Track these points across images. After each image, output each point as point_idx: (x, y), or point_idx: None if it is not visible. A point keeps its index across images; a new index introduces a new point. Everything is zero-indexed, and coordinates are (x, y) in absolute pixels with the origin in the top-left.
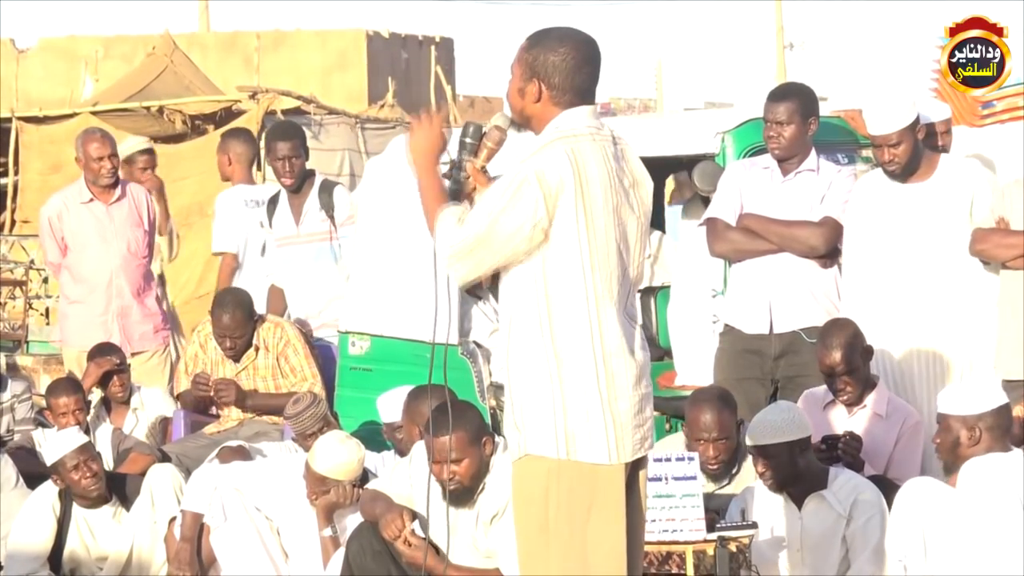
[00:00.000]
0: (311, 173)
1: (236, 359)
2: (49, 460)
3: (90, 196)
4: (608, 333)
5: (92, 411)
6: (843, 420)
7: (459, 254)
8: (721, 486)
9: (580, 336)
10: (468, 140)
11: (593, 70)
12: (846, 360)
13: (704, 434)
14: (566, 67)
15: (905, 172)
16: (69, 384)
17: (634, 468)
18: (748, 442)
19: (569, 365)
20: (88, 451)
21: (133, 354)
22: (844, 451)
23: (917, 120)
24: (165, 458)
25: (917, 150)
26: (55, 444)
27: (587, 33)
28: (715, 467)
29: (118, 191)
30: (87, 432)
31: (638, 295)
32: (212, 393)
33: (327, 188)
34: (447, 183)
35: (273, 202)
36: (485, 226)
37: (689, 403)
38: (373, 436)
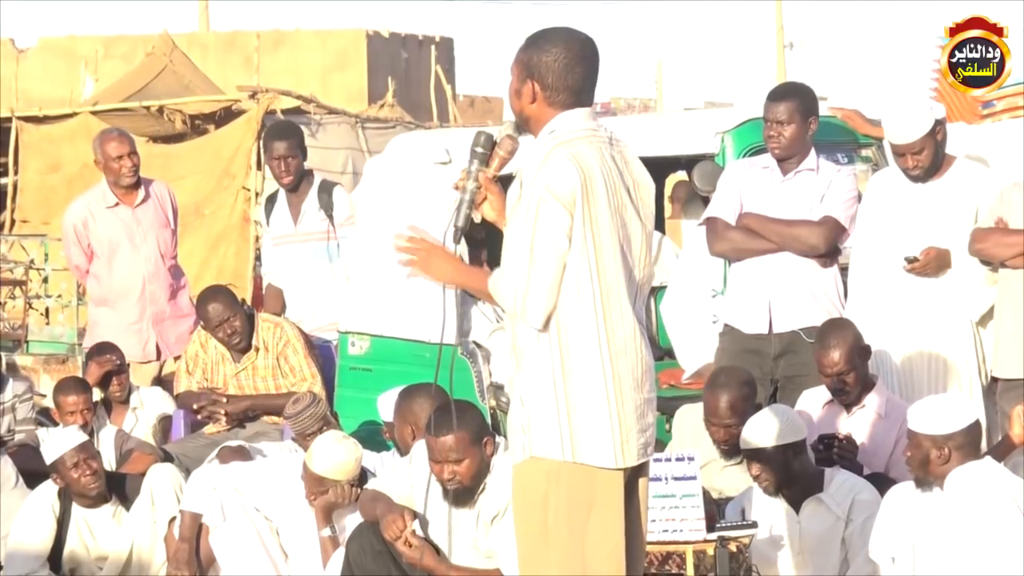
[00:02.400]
0: (309, 173)
1: (244, 350)
2: (49, 459)
3: (115, 200)
4: (615, 335)
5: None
6: (842, 420)
7: (521, 300)
8: (734, 462)
9: (587, 338)
10: (479, 149)
11: (587, 69)
12: (844, 360)
13: (714, 419)
14: (558, 67)
15: (926, 175)
16: (78, 383)
17: (635, 473)
18: (742, 446)
19: (576, 367)
20: (88, 449)
21: (175, 358)
22: (840, 455)
23: (935, 124)
24: (168, 457)
25: (938, 153)
26: (54, 442)
27: (583, 33)
28: (724, 448)
29: (142, 192)
30: (91, 433)
31: None
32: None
33: (327, 188)
34: (457, 195)
35: (271, 201)
36: (527, 263)
37: (707, 383)
38: (373, 436)
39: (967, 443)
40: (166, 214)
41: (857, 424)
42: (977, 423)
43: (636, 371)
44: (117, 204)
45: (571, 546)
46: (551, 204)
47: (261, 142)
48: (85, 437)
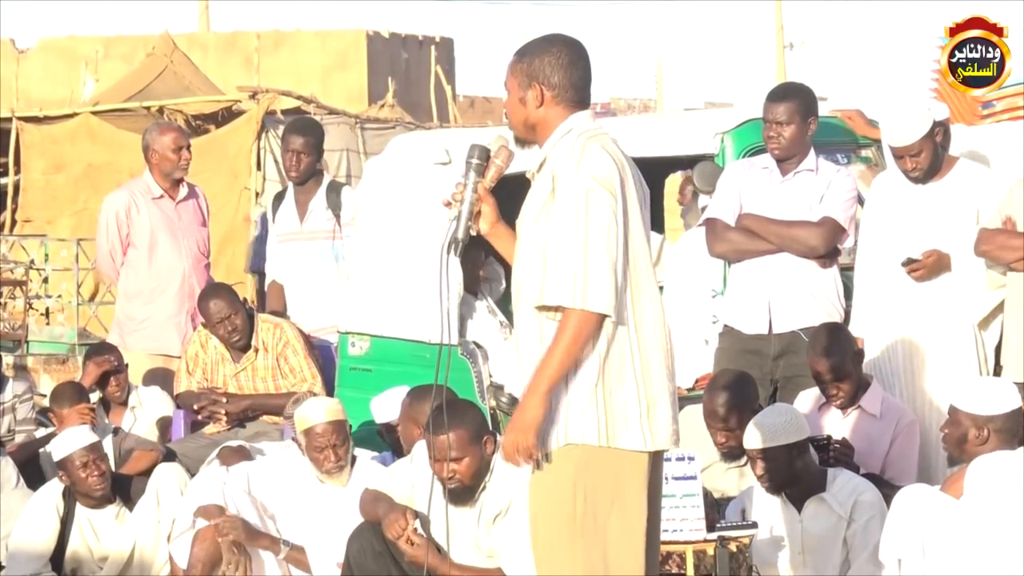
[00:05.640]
0: (319, 172)
1: (243, 349)
2: (57, 456)
3: (161, 192)
4: (645, 323)
5: None
6: (838, 421)
7: (580, 290)
8: (736, 465)
9: (620, 325)
10: (475, 161)
11: (586, 68)
12: (837, 366)
13: (715, 422)
14: (561, 64)
15: (926, 176)
16: (74, 390)
17: (654, 467)
18: (745, 445)
19: (612, 354)
20: (97, 450)
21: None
22: (836, 459)
23: (934, 125)
24: (169, 453)
25: (937, 154)
26: (65, 440)
27: (571, 36)
28: (726, 451)
29: (184, 188)
30: None
31: None
32: (205, 414)
33: (335, 188)
34: (452, 210)
35: (279, 197)
36: (583, 252)
37: (708, 386)
38: (372, 436)
39: (1006, 428)
40: (203, 214)
41: (853, 425)
42: (1019, 410)
43: (667, 359)
44: (162, 196)
45: (596, 532)
46: (600, 192)
47: (281, 134)
48: (96, 438)
